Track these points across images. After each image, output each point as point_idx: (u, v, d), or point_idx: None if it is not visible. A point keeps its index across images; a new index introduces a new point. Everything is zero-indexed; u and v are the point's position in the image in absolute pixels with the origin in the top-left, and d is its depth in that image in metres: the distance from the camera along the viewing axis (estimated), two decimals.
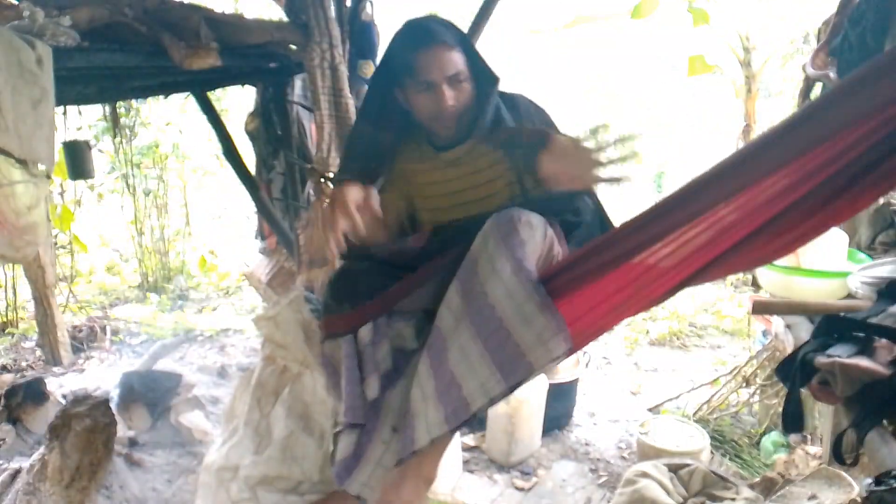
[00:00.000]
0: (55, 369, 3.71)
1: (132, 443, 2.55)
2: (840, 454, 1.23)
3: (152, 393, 2.68)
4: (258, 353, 2.25)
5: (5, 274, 4.17)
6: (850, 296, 1.77)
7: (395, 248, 1.57)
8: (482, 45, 2.11)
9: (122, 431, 2.53)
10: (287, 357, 1.73)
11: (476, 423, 2.79)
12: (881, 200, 2.21)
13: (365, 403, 1.40)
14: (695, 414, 3.06)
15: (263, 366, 1.77)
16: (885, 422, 1.22)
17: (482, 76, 1.53)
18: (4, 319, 4.27)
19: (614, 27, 5.45)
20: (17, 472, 2.17)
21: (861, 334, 1.36)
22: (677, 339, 4.28)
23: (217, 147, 3.87)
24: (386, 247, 1.56)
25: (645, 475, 1.87)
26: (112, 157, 5.17)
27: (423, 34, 1.47)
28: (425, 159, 1.63)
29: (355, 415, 1.38)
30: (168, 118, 5.41)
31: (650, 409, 3.28)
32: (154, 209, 5.43)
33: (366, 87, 2.52)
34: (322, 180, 2.51)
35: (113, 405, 2.42)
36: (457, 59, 1.47)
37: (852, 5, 2.10)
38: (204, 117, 3.23)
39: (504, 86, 1.57)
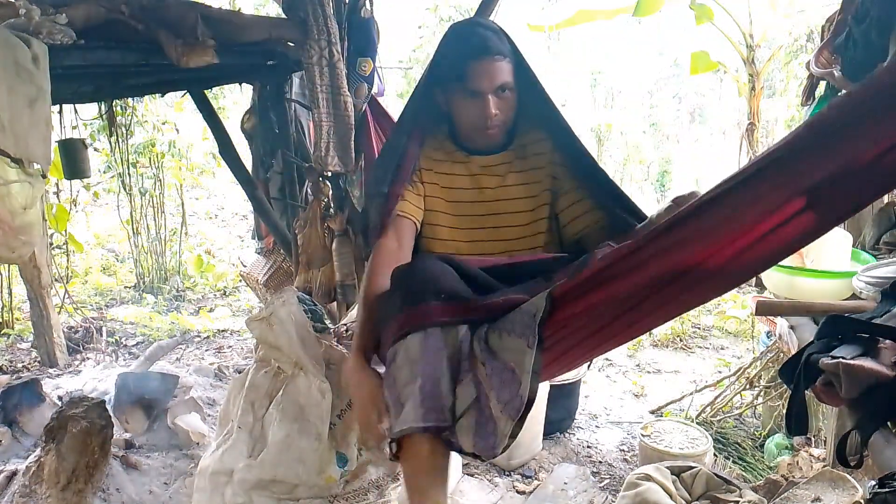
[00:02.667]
0: (51, 371, 3.68)
1: (129, 445, 2.52)
2: (844, 456, 1.21)
3: (149, 395, 2.66)
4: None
5: (0, 274, 4.14)
6: (854, 296, 1.75)
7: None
8: None
9: (119, 433, 2.51)
10: (281, 359, 1.70)
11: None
12: (885, 200, 2.19)
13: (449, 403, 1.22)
14: (698, 416, 3.04)
15: (257, 368, 1.74)
16: (889, 423, 1.20)
17: (528, 87, 1.54)
18: (0, 320, 4.24)
19: (616, 23, 5.41)
20: (12, 475, 2.15)
21: (865, 335, 1.34)
22: (680, 340, 4.24)
23: (214, 146, 3.85)
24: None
25: (647, 478, 1.86)
26: (108, 156, 5.14)
27: (477, 43, 1.47)
28: (455, 161, 1.60)
29: (439, 417, 1.20)
30: (165, 117, 5.38)
31: (653, 412, 3.26)
32: (150, 209, 5.40)
33: (365, 84, 2.53)
34: (320, 179, 2.49)
35: (109, 407, 2.40)
36: (506, 71, 1.48)
37: (856, 2, 2.07)
38: (201, 116, 3.20)
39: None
